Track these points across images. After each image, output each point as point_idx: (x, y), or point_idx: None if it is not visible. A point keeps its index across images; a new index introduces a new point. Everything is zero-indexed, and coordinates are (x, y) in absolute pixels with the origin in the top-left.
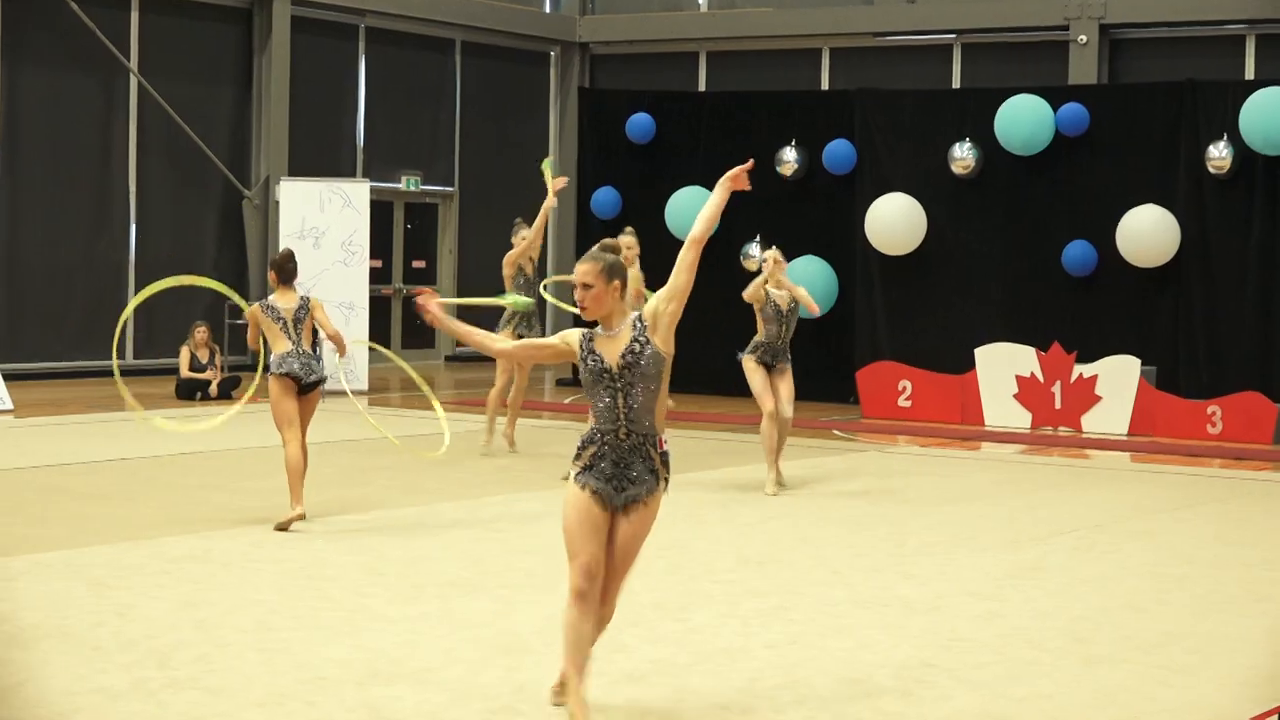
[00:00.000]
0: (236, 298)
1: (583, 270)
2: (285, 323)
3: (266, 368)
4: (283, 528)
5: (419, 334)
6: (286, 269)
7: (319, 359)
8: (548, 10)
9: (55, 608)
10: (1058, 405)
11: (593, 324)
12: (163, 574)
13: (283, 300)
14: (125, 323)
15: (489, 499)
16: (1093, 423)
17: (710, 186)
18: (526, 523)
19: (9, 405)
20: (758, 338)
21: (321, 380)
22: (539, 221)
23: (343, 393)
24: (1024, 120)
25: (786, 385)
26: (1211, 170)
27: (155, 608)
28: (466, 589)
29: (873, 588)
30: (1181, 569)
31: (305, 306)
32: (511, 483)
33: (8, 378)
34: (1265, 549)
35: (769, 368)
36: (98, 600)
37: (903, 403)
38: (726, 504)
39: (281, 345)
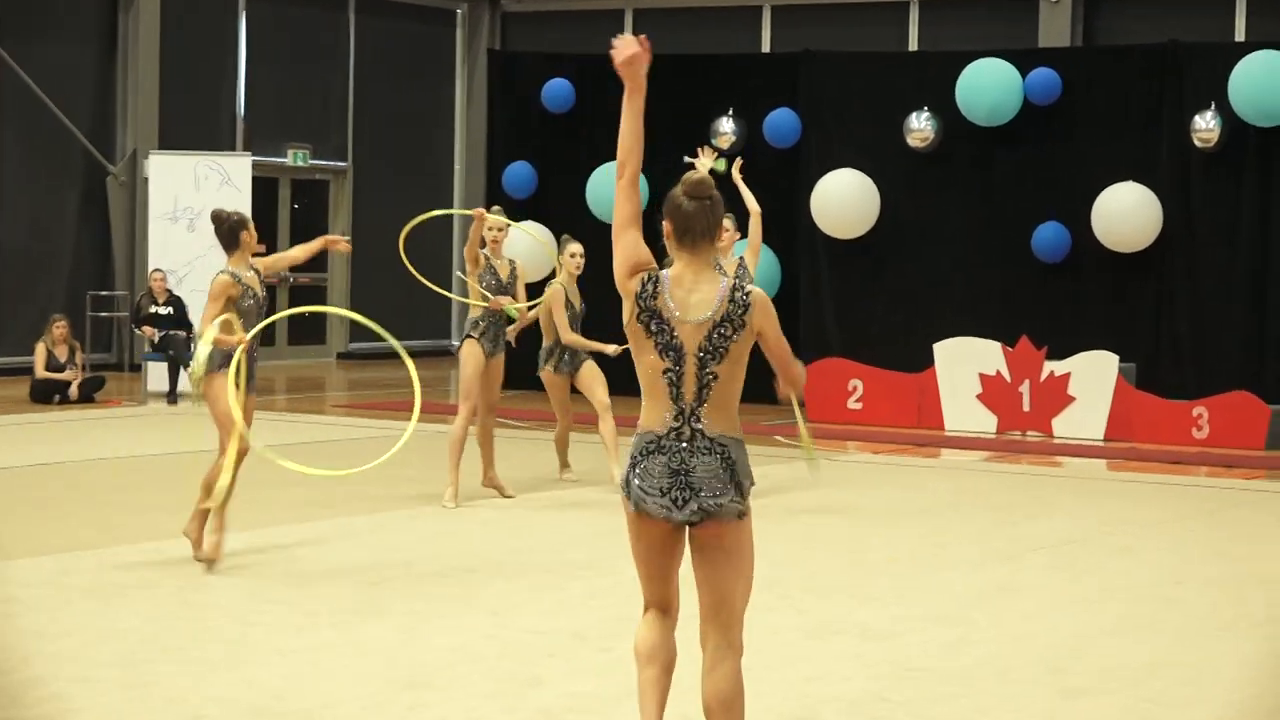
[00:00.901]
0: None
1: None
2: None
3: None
4: None
5: (307, 331)
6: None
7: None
8: None
9: None
10: (1026, 407)
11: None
12: (11, 601)
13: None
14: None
15: (391, 514)
16: (1065, 426)
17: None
18: (434, 540)
19: None
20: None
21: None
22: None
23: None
24: (989, 87)
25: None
26: (1198, 144)
27: (4, 639)
28: (365, 615)
29: (825, 612)
30: (1169, 589)
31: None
32: (417, 496)
33: None
34: (1260, 566)
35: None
36: None
37: (853, 404)
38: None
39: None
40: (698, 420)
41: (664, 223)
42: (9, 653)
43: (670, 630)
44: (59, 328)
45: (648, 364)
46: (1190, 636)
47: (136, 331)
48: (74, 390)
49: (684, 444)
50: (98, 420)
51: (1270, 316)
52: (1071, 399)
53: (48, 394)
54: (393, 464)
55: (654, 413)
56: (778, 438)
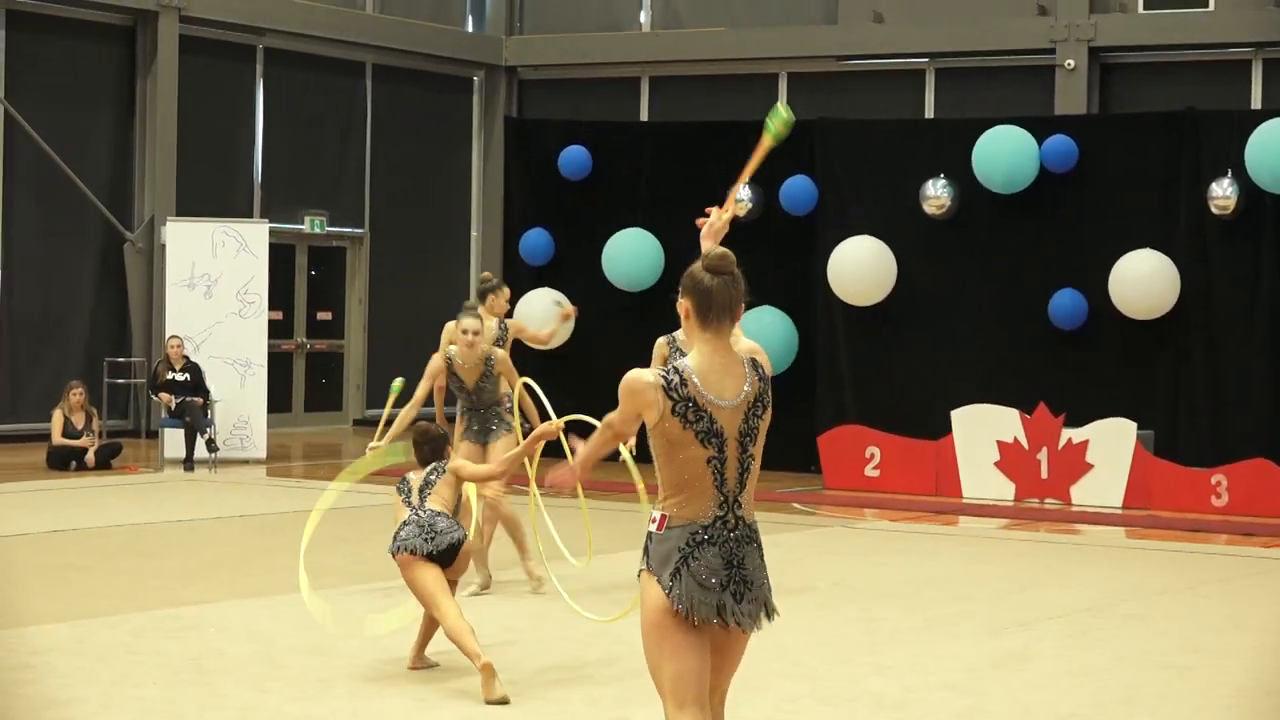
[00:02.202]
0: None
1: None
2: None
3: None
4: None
5: (323, 395)
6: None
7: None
8: (470, 29)
9: None
10: (1044, 474)
11: None
12: (25, 668)
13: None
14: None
15: (402, 583)
16: (1083, 494)
17: (654, 228)
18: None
19: None
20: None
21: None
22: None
23: (243, 461)
24: (1005, 154)
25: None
26: (1215, 210)
27: (15, 706)
28: (377, 685)
29: (838, 680)
30: (1185, 658)
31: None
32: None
33: None
34: (1276, 635)
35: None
36: None
37: (870, 472)
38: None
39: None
40: (739, 507)
41: (682, 301)
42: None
43: None
44: (76, 394)
45: (689, 457)
46: (1207, 707)
47: (154, 398)
48: (90, 457)
49: (731, 533)
50: (114, 487)
51: None
52: (1090, 466)
53: (64, 460)
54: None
55: (695, 505)
56: (795, 505)
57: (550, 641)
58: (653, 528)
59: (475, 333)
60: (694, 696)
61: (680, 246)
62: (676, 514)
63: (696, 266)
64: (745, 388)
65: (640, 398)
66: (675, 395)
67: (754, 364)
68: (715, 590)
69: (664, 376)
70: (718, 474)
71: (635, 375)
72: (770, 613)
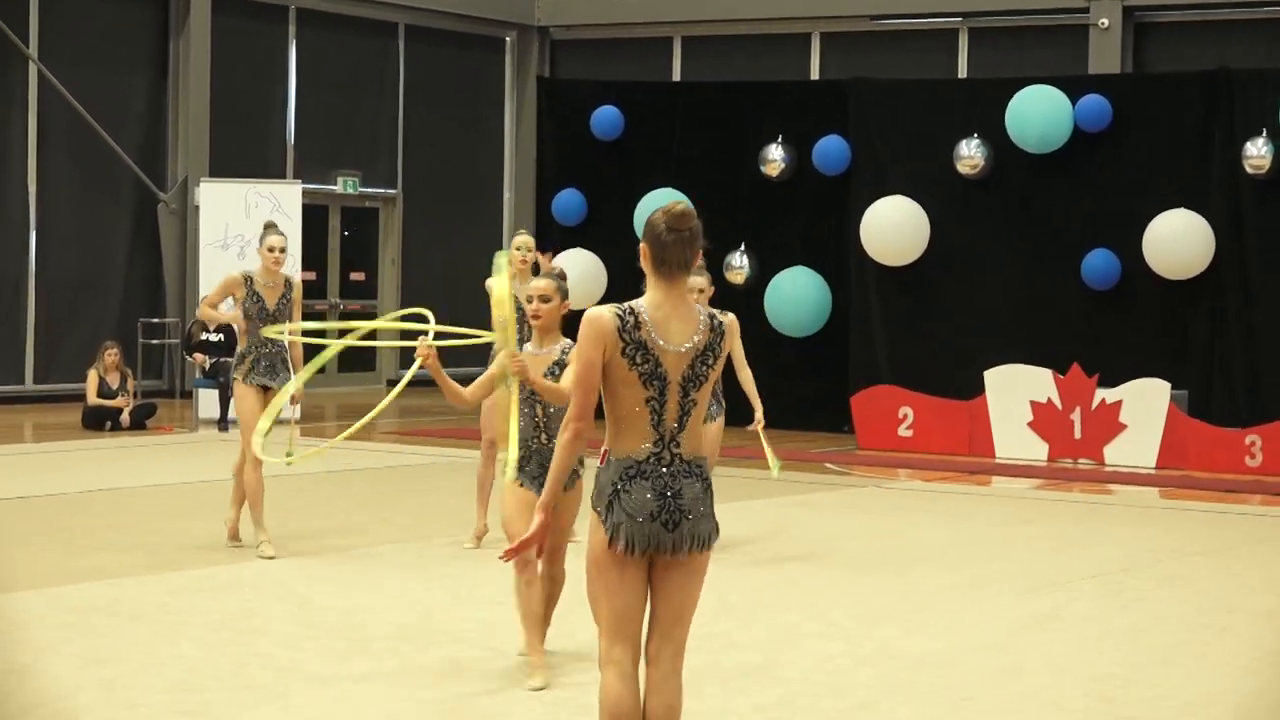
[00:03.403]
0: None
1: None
2: None
3: None
4: None
5: (357, 356)
6: None
7: None
8: None
9: None
10: (1077, 435)
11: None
12: (65, 627)
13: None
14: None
15: (438, 541)
16: (1117, 454)
17: (685, 188)
18: (481, 568)
19: None
20: None
21: None
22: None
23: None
24: (1039, 114)
25: (709, 439)
26: (1249, 170)
27: (57, 666)
28: (413, 643)
29: (874, 641)
30: (1221, 619)
31: None
32: (464, 523)
33: None
34: None
35: None
36: None
37: (903, 432)
38: None
39: None
40: (677, 445)
41: (641, 246)
42: (60, 680)
43: (637, 682)
44: (111, 355)
45: (630, 395)
46: (1242, 667)
47: (188, 358)
48: (125, 417)
49: (664, 468)
50: (149, 447)
51: None
52: (1123, 427)
53: (99, 421)
54: (448, 497)
55: (632, 439)
56: (828, 465)
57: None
58: (599, 464)
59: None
60: (627, 633)
61: (712, 206)
62: (615, 449)
63: (657, 217)
64: (695, 336)
65: (603, 332)
66: (627, 337)
67: (711, 316)
68: (645, 520)
69: (619, 316)
70: (655, 414)
71: (595, 312)
72: (709, 539)
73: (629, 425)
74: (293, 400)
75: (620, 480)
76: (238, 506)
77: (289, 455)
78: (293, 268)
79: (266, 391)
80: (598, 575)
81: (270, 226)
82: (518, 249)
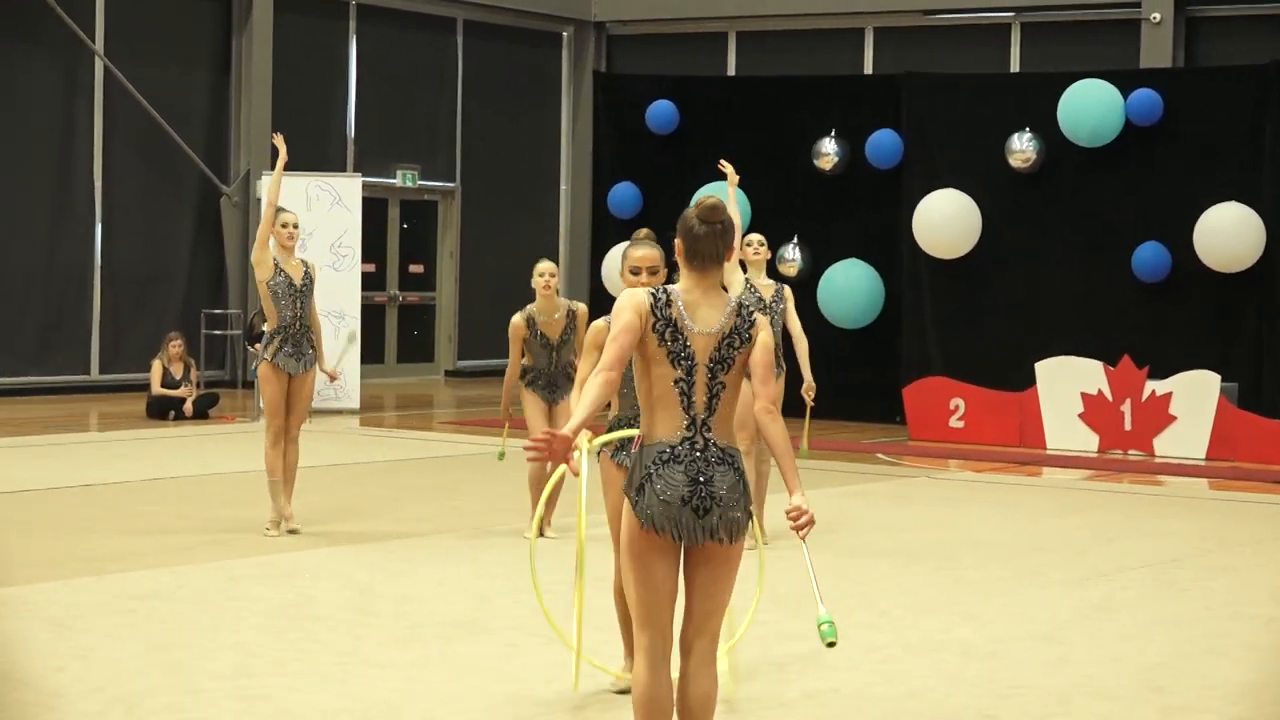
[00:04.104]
0: None
1: (652, 255)
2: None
3: None
4: None
5: (417, 347)
6: None
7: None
8: None
9: (10, 650)
10: (1128, 426)
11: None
12: (129, 613)
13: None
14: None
15: (494, 530)
16: (1167, 446)
17: (739, 181)
18: (537, 557)
19: None
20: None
21: None
22: None
23: (337, 411)
24: (1090, 108)
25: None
26: None
27: (121, 650)
28: (469, 630)
29: (925, 630)
30: (1270, 609)
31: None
32: (519, 513)
33: None
34: None
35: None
36: (57, 642)
37: (955, 423)
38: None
39: None
40: (709, 430)
41: (676, 240)
42: (126, 664)
43: (668, 670)
44: (174, 345)
45: (658, 375)
46: None
47: (250, 349)
48: (188, 407)
49: (698, 453)
50: (212, 436)
51: None
52: (1173, 418)
53: (163, 410)
54: (504, 486)
55: (665, 424)
56: (880, 455)
57: None
58: (632, 449)
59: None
60: (658, 622)
61: (765, 199)
62: (650, 434)
63: (690, 212)
64: (723, 319)
65: (639, 305)
66: (659, 313)
67: (741, 306)
68: (676, 505)
69: (653, 294)
70: (685, 396)
71: (631, 290)
72: (741, 529)
73: (661, 409)
74: (331, 379)
75: (654, 465)
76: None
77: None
78: (353, 260)
79: (291, 379)
80: (630, 562)
81: (280, 209)
82: (540, 275)
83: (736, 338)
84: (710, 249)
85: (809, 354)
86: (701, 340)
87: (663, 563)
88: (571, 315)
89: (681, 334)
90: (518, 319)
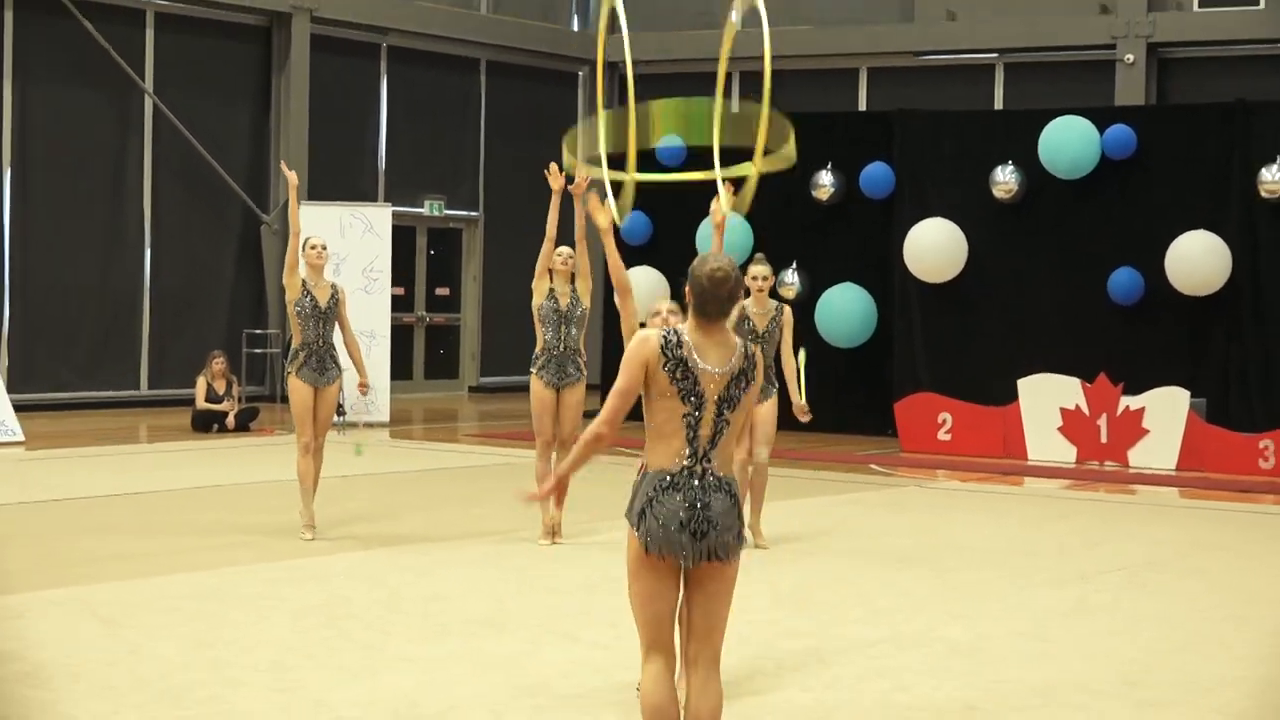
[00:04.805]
0: None
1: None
2: None
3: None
4: None
5: (443, 365)
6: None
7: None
8: (575, 29)
9: (66, 646)
10: (1104, 439)
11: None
12: (175, 611)
13: None
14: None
15: (514, 536)
16: (1140, 457)
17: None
18: (553, 561)
19: (20, 436)
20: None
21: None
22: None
23: (369, 424)
24: (1069, 142)
25: (762, 422)
26: (1264, 195)
27: (168, 646)
28: (491, 629)
29: (915, 627)
30: (1239, 609)
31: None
32: (538, 520)
33: (18, 408)
34: None
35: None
36: (109, 638)
37: (943, 436)
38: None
39: None
40: (709, 460)
41: (686, 287)
42: (172, 658)
43: (673, 681)
44: (218, 363)
45: (667, 407)
46: (1261, 654)
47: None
48: (231, 420)
49: (696, 481)
50: (252, 447)
51: None
52: (1146, 431)
53: (207, 423)
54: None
55: (668, 453)
56: (873, 466)
57: None
58: (636, 477)
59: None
60: (662, 638)
61: (767, 227)
62: (652, 462)
63: (702, 272)
64: (732, 360)
65: (648, 352)
66: (669, 354)
67: (746, 347)
68: (675, 530)
69: (664, 337)
70: (691, 429)
71: (643, 333)
72: (736, 551)
73: (666, 441)
74: (361, 390)
75: (654, 491)
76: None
77: (358, 447)
78: (382, 284)
79: (317, 392)
80: (634, 582)
81: (309, 236)
82: (558, 255)
83: (743, 378)
84: (716, 309)
85: (795, 376)
86: (712, 380)
87: (664, 582)
88: (577, 294)
89: (692, 373)
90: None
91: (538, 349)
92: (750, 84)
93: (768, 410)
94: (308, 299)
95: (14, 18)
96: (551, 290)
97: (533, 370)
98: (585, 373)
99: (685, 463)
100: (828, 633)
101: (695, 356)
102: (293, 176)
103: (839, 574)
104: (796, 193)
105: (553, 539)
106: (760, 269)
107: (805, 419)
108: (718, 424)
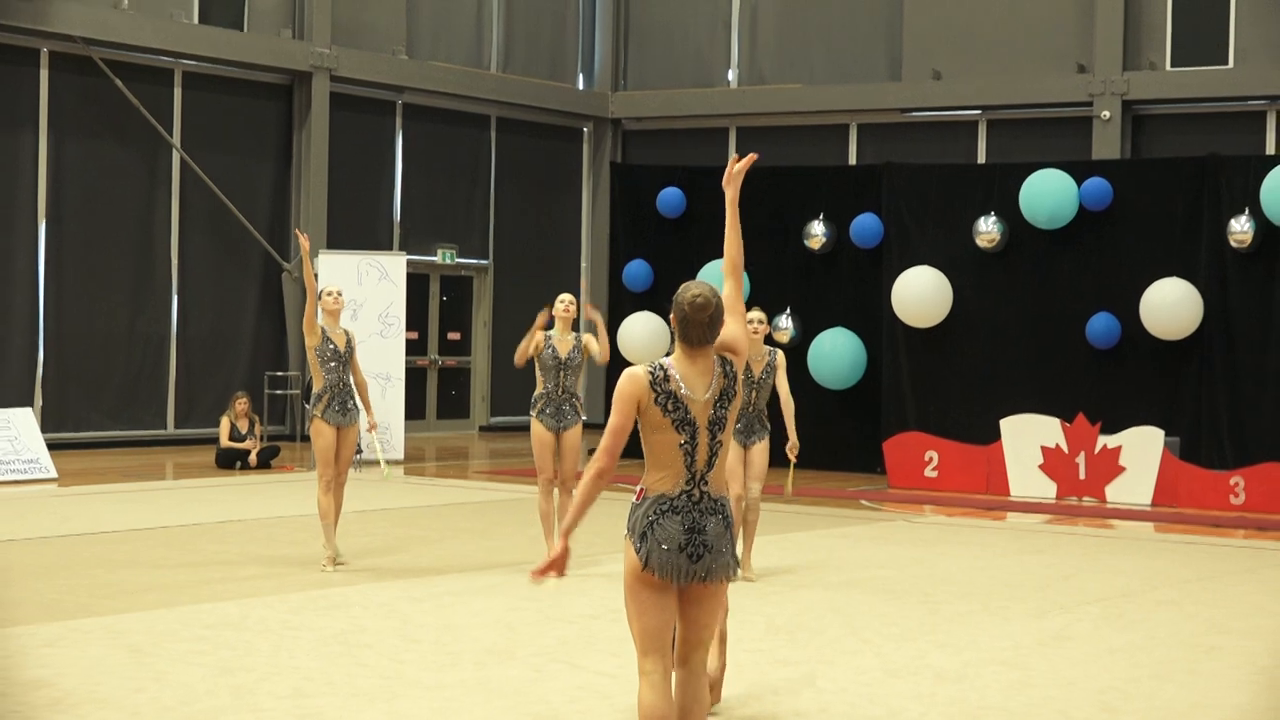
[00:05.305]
0: None
1: None
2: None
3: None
4: None
5: (454, 405)
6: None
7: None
8: (581, 87)
9: (93, 673)
10: (1082, 476)
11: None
12: (200, 640)
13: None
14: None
15: (522, 568)
16: (1117, 493)
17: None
18: (559, 592)
19: (53, 474)
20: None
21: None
22: None
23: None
24: (1048, 194)
25: (755, 462)
26: (1233, 244)
27: (192, 674)
28: (500, 656)
29: (903, 656)
30: (1212, 639)
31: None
32: (543, 552)
33: (51, 447)
34: None
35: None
36: (135, 666)
37: (929, 473)
38: (755, 571)
39: None
40: (705, 484)
41: (671, 315)
42: (197, 685)
43: (669, 690)
44: (240, 403)
45: (664, 440)
46: (1230, 682)
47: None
48: (253, 458)
49: (695, 505)
50: (273, 484)
51: None
52: (1122, 469)
53: (231, 461)
54: (530, 528)
55: (666, 480)
56: (863, 501)
57: None
58: (635, 500)
59: None
60: (657, 648)
61: (761, 274)
62: (652, 488)
63: (684, 300)
64: (714, 384)
65: (637, 389)
66: (659, 389)
67: (722, 360)
68: (674, 551)
69: (651, 372)
70: (689, 456)
71: (631, 370)
72: (727, 573)
73: (666, 468)
74: (371, 430)
75: (654, 514)
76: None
77: (387, 470)
78: (397, 329)
79: (339, 431)
80: (632, 598)
81: (325, 286)
82: (561, 302)
83: (725, 397)
84: (699, 335)
85: (794, 415)
86: (700, 406)
87: (660, 599)
88: (579, 342)
89: (682, 403)
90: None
91: (537, 393)
92: (746, 140)
93: (760, 451)
94: (329, 345)
95: (49, 76)
96: (549, 338)
97: (532, 413)
98: (583, 415)
99: (684, 487)
100: (820, 660)
101: (683, 387)
102: (305, 240)
103: (831, 604)
104: (791, 242)
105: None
106: (754, 314)
107: (792, 457)
108: (712, 447)
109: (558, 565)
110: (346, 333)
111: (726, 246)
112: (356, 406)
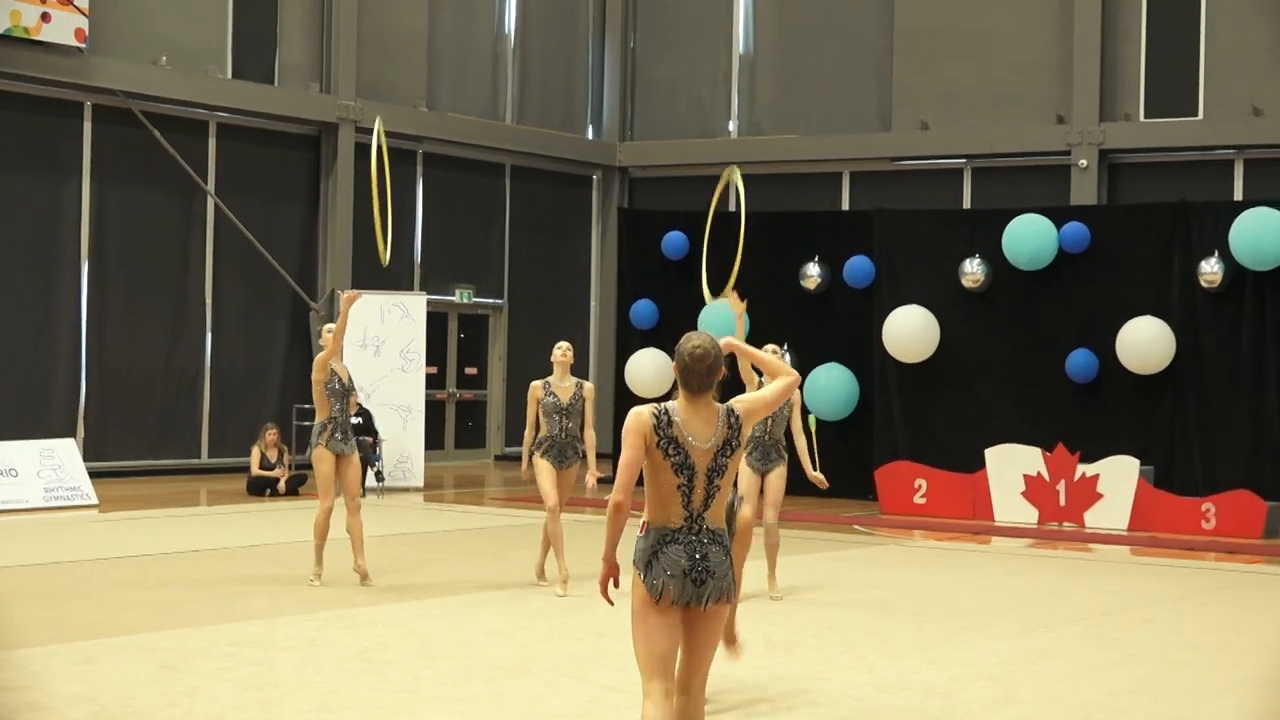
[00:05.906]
0: None
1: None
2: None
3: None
4: None
5: (470, 435)
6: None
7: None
8: (590, 137)
9: (129, 688)
10: (1062, 502)
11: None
12: (229, 657)
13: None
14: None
15: (535, 587)
16: (1095, 518)
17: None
18: (568, 610)
19: (94, 500)
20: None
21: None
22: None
23: (405, 489)
24: (1030, 238)
25: (772, 488)
26: (1204, 284)
27: (222, 689)
28: (513, 672)
29: (894, 672)
30: (1187, 655)
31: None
32: (554, 574)
33: (92, 475)
34: (1262, 636)
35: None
36: (168, 682)
37: (918, 499)
38: (751, 590)
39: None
40: (704, 520)
41: (674, 365)
42: (225, 701)
43: (672, 709)
44: (270, 434)
45: (663, 479)
46: (1204, 694)
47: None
48: (282, 485)
49: (695, 537)
50: (301, 510)
51: (1266, 427)
52: (1100, 496)
53: (261, 488)
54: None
55: (669, 514)
56: (856, 527)
57: None
58: (639, 533)
59: None
60: (661, 670)
61: (760, 313)
62: (654, 521)
63: (684, 350)
64: (716, 434)
65: (643, 426)
66: (661, 433)
67: (729, 412)
68: (679, 578)
69: (655, 415)
70: (685, 497)
71: (636, 410)
72: (728, 596)
73: (665, 505)
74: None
75: (658, 545)
76: (322, 556)
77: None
78: (418, 364)
79: (339, 458)
80: (639, 624)
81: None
82: (559, 348)
83: (729, 447)
84: (699, 382)
85: (809, 447)
86: (700, 453)
87: (665, 624)
88: (580, 388)
89: (683, 449)
90: (536, 382)
91: (541, 435)
92: (746, 187)
93: (777, 477)
94: (335, 380)
95: (92, 128)
96: (549, 384)
97: (536, 453)
98: (582, 454)
99: (684, 523)
100: (816, 676)
101: (685, 434)
102: (354, 298)
103: (826, 623)
104: (787, 283)
105: (565, 588)
106: (770, 346)
107: (823, 487)
108: (709, 490)
109: (613, 576)
110: (346, 370)
111: (765, 372)
112: (354, 436)
